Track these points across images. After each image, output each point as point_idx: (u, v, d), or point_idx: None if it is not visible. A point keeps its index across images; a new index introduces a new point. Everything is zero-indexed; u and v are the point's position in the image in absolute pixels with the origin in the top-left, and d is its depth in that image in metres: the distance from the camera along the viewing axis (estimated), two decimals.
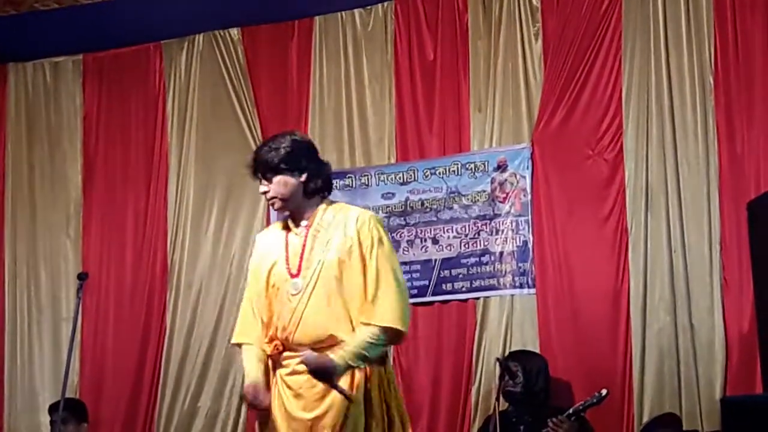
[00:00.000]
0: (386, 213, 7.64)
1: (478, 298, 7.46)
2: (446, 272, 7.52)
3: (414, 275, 7.51)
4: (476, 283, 7.47)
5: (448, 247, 7.56)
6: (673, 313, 6.97)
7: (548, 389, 6.84)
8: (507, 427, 6.63)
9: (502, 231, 7.45)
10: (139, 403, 8.11)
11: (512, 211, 7.44)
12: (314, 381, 4.52)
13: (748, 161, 6.94)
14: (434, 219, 7.63)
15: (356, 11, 8.05)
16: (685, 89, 7.13)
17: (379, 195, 7.74)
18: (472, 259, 7.49)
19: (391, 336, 4.55)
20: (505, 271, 7.41)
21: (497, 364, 6.77)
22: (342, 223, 4.63)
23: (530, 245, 7.38)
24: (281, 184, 4.63)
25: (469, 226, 7.53)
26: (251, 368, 4.72)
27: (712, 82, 7.08)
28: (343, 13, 8.07)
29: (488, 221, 7.49)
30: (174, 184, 8.35)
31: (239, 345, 4.84)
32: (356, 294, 4.56)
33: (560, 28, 7.44)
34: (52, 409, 7.35)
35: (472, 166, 7.56)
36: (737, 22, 7.07)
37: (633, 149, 7.20)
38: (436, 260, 7.56)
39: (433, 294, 7.53)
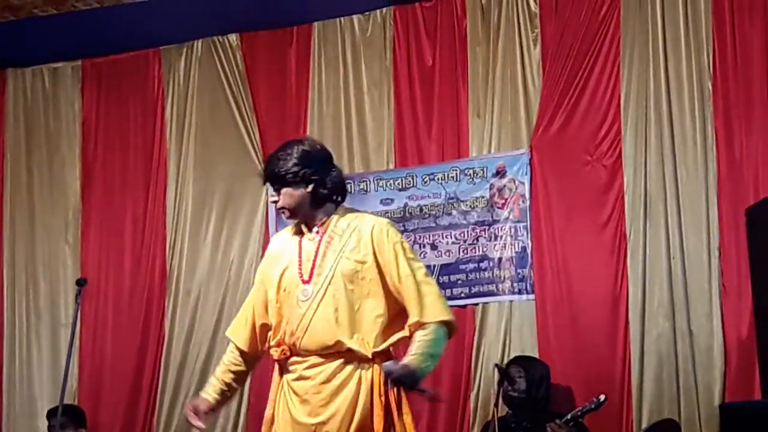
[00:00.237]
0: None
1: (476, 304, 7.47)
2: (445, 278, 7.52)
3: None
4: (475, 289, 7.47)
5: (447, 253, 7.56)
6: (671, 319, 6.97)
7: (549, 396, 6.84)
8: None
9: (501, 237, 7.46)
10: (138, 409, 8.10)
11: (511, 217, 7.45)
12: (320, 387, 4.54)
13: (746, 167, 6.94)
14: (433, 225, 7.64)
15: (355, 17, 8.05)
16: (683, 95, 7.14)
17: (377, 201, 7.74)
18: (471, 265, 7.50)
19: (448, 329, 4.59)
20: (504, 277, 7.41)
21: (496, 370, 6.77)
22: (356, 231, 4.63)
23: (529, 251, 7.38)
24: (288, 195, 4.63)
25: (467, 232, 7.54)
26: (213, 381, 4.89)
27: (710, 87, 7.09)
28: (342, 19, 8.08)
29: (487, 227, 7.49)
30: (173, 189, 8.35)
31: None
32: (371, 301, 4.56)
33: (559, 34, 7.45)
34: (51, 414, 7.35)
35: (471, 172, 7.57)
36: (736, 28, 7.07)
37: (632, 155, 7.20)
38: (434, 266, 7.56)
39: None
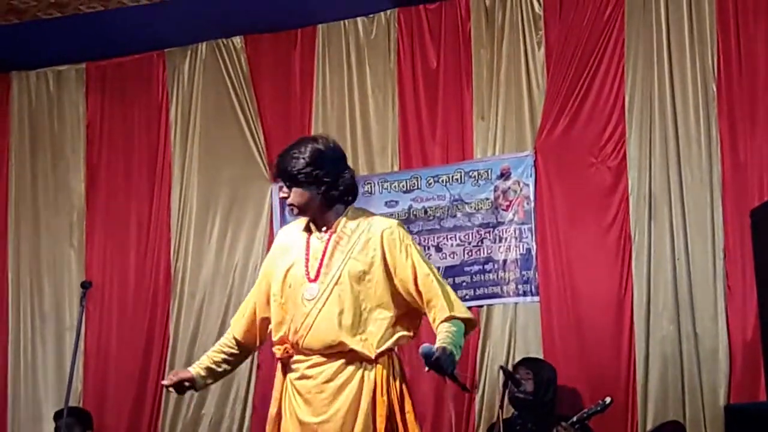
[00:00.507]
0: None
1: (481, 306, 7.47)
2: (450, 280, 7.50)
3: None
4: (480, 291, 7.47)
5: (452, 255, 7.57)
6: (676, 320, 6.98)
7: (555, 399, 6.85)
8: None
9: (506, 239, 7.46)
10: (143, 412, 8.11)
11: (515, 219, 7.45)
12: (322, 386, 4.54)
13: (751, 169, 6.94)
14: (437, 227, 7.64)
15: (359, 19, 8.06)
16: (688, 97, 7.14)
17: (382, 203, 7.74)
18: (476, 267, 7.50)
19: (471, 327, 4.60)
20: (509, 279, 7.42)
21: (501, 371, 6.77)
22: (365, 232, 4.62)
23: (533, 253, 7.38)
24: (298, 194, 4.61)
25: (472, 234, 7.54)
26: (203, 358, 4.93)
27: (715, 90, 7.09)
28: (346, 21, 8.08)
29: (491, 229, 7.50)
30: (177, 192, 8.36)
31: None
32: (376, 304, 4.57)
33: (563, 36, 7.45)
34: (58, 416, 7.34)
35: (476, 174, 7.57)
36: (740, 30, 7.08)
37: (636, 157, 7.20)
38: (439, 268, 7.54)
39: None
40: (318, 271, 4.61)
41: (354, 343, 4.52)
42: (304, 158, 4.59)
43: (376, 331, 4.56)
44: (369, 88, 7.99)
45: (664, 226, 7.09)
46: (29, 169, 8.75)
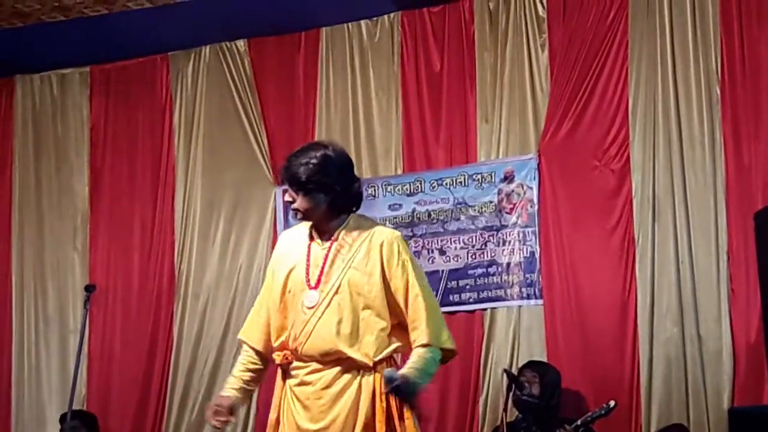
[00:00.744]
0: (393, 224, 7.65)
1: (485, 309, 7.47)
2: (453, 283, 7.53)
3: None
4: (483, 294, 7.47)
5: (456, 258, 7.57)
6: (680, 323, 6.98)
7: (559, 402, 6.84)
8: None
9: (509, 242, 7.46)
10: (147, 415, 8.11)
11: (519, 222, 7.45)
12: (321, 393, 4.54)
13: (755, 171, 6.94)
14: (441, 230, 7.64)
15: (363, 22, 8.06)
16: (691, 100, 7.14)
17: (386, 206, 7.75)
18: (480, 270, 7.50)
19: (447, 356, 4.61)
20: (513, 282, 7.41)
21: (505, 375, 6.77)
22: (366, 242, 4.62)
23: (537, 256, 7.38)
24: (305, 200, 4.60)
25: (476, 237, 7.54)
26: (232, 379, 4.76)
27: (718, 92, 7.09)
28: (350, 24, 8.08)
29: (495, 232, 7.50)
30: (181, 195, 8.37)
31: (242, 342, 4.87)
32: (375, 314, 4.57)
33: (567, 39, 7.45)
34: (64, 419, 7.35)
35: (479, 177, 7.57)
36: (744, 33, 7.08)
37: (640, 160, 7.20)
38: (443, 271, 7.56)
39: (441, 305, 7.38)
40: (319, 279, 4.61)
41: (352, 352, 4.52)
42: (314, 165, 4.57)
43: (374, 340, 4.55)
44: (372, 91, 8.00)
45: (668, 228, 7.09)
46: (33, 173, 8.77)
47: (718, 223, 6.96)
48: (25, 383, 8.48)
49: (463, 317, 7.52)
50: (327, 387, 4.55)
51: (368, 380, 4.55)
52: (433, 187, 7.67)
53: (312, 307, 4.58)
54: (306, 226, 4.74)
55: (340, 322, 4.54)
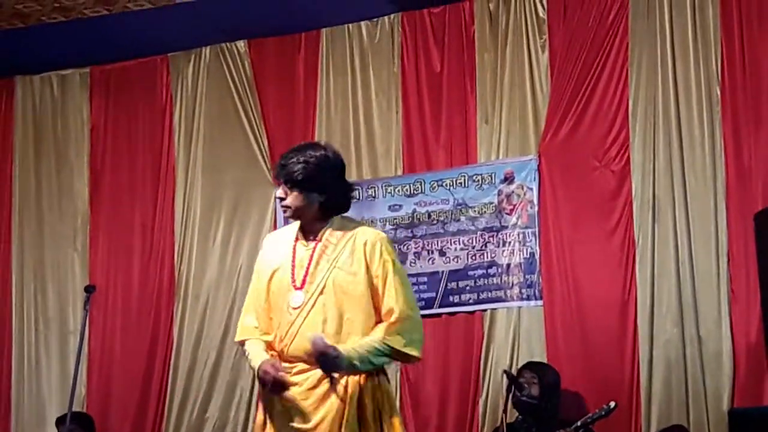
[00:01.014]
0: (393, 225, 7.66)
1: (485, 310, 7.47)
2: (453, 284, 7.52)
3: (421, 287, 7.51)
4: (483, 295, 7.47)
5: (455, 259, 7.57)
6: (680, 324, 6.97)
7: (559, 403, 6.84)
8: None
9: (509, 243, 7.46)
10: (147, 415, 8.11)
11: (519, 223, 7.45)
12: (307, 393, 4.54)
13: (755, 173, 6.94)
14: (441, 231, 7.64)
15: (363, 23, 8.06)
16: (691, 101, 7.14)
17: (386, 207, 7.75)
18: (479, 271, 7.50)
19: (403, 359, 4.64)
20: (512, 283, 7.41)
21: (504, 376, 6.77)
22: (350, 243, 4.64)
23: (537, 257, 7.38)
24: (298, 198, 4.62)
25: (476, 238, 7.54)
26: (259, 353, 4.66)
27: (718, 93, 7.09)
28: (350, 25, 8.09)
29: (495, 233, 7.50)
30: (181, 195, 8.37)
31: (242, 343, 4.81)
32: (360, 314, 4.58)
33: (567, 40, 7.45)
34: (60, 422, 7.35)
35: (479, 178, 7.57)
36: (744, 34, 7.08)
37: (640, 161, 7.20)
38: (443, 272, 7.56)
39: (440, 306, 7.54)
40: (304, 280, 4.63)
41: None
42: (311, 164, 4.60)
43: (359, 340, 4.56)
44: (373, 92, 8.00)
45: (668, 229, 7.09)
46: (33, 173, 8.76)
47: (718, 224, 6.96)
48: (25, 383, 8.48)
49: (462, 318, 7.52)
50: (314, 387, 4.56)
51: (354, 380, 4.56)
52: (433, 188, 7.67)
53: (297, 308, 4.60)
54: (292, 228, 4.77)
55: (325, 322, 4.56)
